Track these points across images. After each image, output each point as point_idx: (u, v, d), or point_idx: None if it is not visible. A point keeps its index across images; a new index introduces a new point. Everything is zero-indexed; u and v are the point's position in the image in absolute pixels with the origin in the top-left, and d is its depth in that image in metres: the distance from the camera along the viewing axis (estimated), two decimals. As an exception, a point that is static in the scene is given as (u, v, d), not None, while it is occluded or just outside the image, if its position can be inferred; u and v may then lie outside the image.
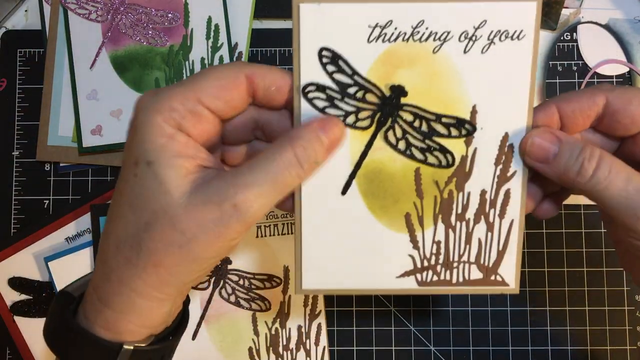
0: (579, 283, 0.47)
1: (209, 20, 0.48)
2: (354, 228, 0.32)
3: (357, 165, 0.31)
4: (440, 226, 0.32)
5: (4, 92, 0.49)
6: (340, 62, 0.30)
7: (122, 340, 0.28)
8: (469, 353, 0.47)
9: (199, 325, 0.46)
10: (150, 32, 0.48)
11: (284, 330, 0.46)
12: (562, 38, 0.49)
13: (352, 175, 0.31)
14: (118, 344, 0.28)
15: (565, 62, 0.49)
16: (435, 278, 0.33)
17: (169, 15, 0.48)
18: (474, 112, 0.31)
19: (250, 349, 0.46)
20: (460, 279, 0.33)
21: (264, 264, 0.47)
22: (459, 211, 0.32)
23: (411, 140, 0.31)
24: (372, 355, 0.47)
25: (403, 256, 0.33)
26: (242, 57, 0.49)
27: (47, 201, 0.49)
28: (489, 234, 0.32)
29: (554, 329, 0.47)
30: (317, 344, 0.47)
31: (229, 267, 0.46)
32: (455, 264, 0.33)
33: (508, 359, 0.47)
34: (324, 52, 0.30)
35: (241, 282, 0.46)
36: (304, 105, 0.30)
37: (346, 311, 0.47)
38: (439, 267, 0.33)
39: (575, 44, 0.49)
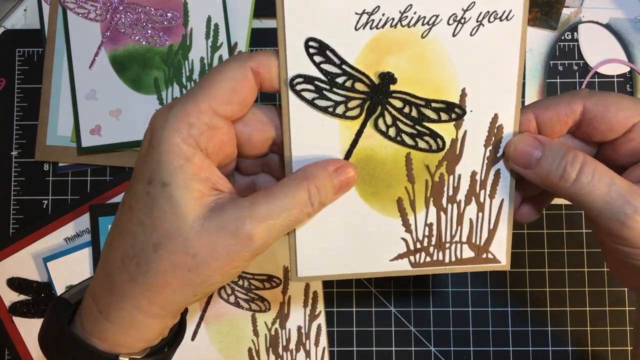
0: (580, 283, 0.47)
1: (209, 19, 0.48)
2: (346, 214, 0.32)
3: (348, 154, 0.31)
4: (432, 209, 0.33)
5: (3, 91, 0.49)
6: (328, 52, 0.29)
7: (118, 352, 0.28)
8: (469, 353, 0.47)
9: (198, 325, 0.46)
10: (149, 31, 0.48)
11: (283, 330, 0.46)
12: (562, 37, 0.49)
13: None
14: (114, 355, 0.28)
15: (566, 62, 0.49)
16: (428, 259, 0.33)
17: (169, 14, 0.48)
18: (463, 95, 0.31)
19: (249, 350, 0.46)
20: (453, 259, 0.33)
21: (263, 264, 0.46)
22: (450, 193, 0.32)
23: (401, 126, 0.31)
24: (372, 356, 0.47)
25: (396, 240, 0.33)
26: (242, 57, 0.48)
27: (46, 201, 0.49)
28: (480, 214, 0.33)
29: (555, 329, 0.47)
30: (317, 344, 0.46)
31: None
32: (447, 245, 0.33)
33: (508, 357, 0.47)
34: (311, 43, 0.29)
35: (241, 282, 0.46)
36: (292, 98, 0.30)
37: (346, 311, 0.47)
38: (431, 249, 0.33)
39: (576, 43, 0.49)
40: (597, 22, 0.49)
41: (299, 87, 0.30)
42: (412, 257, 0.33)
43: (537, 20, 0.48)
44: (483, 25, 0.30)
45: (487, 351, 0.47)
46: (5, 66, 0.49)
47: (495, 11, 0.30)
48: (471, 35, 0.30)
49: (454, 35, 0.30)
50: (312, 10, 0.29)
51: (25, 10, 0.50)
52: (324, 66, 0.30)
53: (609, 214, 0.29)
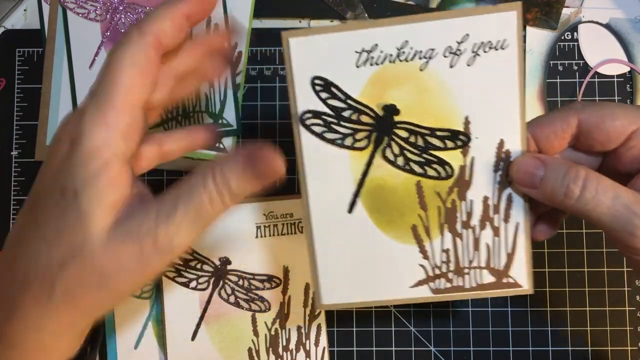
0: (580, 283, 0.47)
1: (209, 19, 0.48)
2: (364, 243, 0.33)
3: (360, 184, 0.32)
4: (447, 235, 0.33)
5: (3, 91, 0.49)
6: (333, 89, 0.31)
7: None
8: (469, 353, 0.47)
9: (198, 325, 0.46)
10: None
11: (283, 330, 0.46)
12: (562, 38, 0.49)
13: (356, 194, 0.33)
14: None
15: (566, 62, 0.49)
16: (448, 285, 0.34)
17: (169, 14, 0.48)
18: (467, 122, 0.32)
19: (249, 350, 0.46)
20: (474, 284, 0.34)
21: (263, 264, 0.46)
22: (464, 219, 0.33)
23: (409, 155, 0.32)
24: (372, 356, 0.47)
25: (414, 266, 0.33)
26: (242, 57, 0.48)
27: (46, 201, 0.49)
28: (496, 238, 0.33)
29: (555, 329, 0.47)
30: (317, 344, 0.46)
31: (229, 267, 0.46)
32: (466, 270, 0.33)
33: (508, 358, 0.47)
34: (317, 81, 0.31)
35: (241, 282, 0.46)
36: (303, 132, 0.32)
37: (346, 311, 0.47)
38: (450, 274, 0.33)
39: (576, 43, 0.49)
40: (597, 22, 0.49)
41: (308, 122, 0.32)
42: (432, 284, 0.34)
43: (537, 20, 0.48)
44: (479, 55, 0.31)
45: (487, 351, 0.47)
46: (5, 66, 0.49)
47: (489, 41, 0.31)
48: (468, 65, 0.31)
49: (451, 67, 0.31)
50: (316, 51, 0.31)
51: (25, 10, 0.50)
52: (330, 101, 0.31)
53: (617, 227, 0.29)
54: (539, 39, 0.49)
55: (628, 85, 0.48)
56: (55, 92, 0.48)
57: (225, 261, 0.46)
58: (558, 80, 0.48)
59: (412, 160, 0.32)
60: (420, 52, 0.31)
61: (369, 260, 0.33)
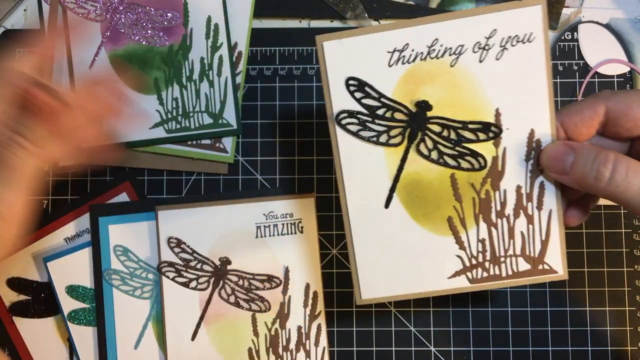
0: (580, 283, 0.47)
1: (209, 19, 0.48)
2: (401, 237, 0.34)
3: (396, 179, 0.33)
4: (483, 225, 0.34)
5: (3, 91, 0.49)
6: (367, 88, 0.32)
7: None
8: (469, 353, 0.47)
9: (198, 325, 0.46)
10: (149, 31, 0.48)
11: (283, 330, 0.46)
12: (562, 37, 0.49)
13: (392, 189, 0.34)
14: None
15: (566, 62, 0.49)
16: (485, 274, 0.34)
17: (169, 14, 0.48)
18: (498, 114, 0.32)
19: (249, 350, 0.46)
20: (510, 272, 0.34)
21: (263, 264, 0.46)
22: (498, 208, 0.34)
23: (442, 149, 0.33)
24: (372, 356, 0.47)
25: (451, 257, 0.34)
26: (242, 57, 0.48)
27: (45, 201, 0.49)
28: (530, 226, 0.34)
29: (555, 329, 0.47)
30: (317, 344, 0.46)
31: (229, 267, 0.46)
32: (502, 259, 0.34)
33: (508, 358, 0.47)
34: (351, 82, 0.32)
35: (241, 282, 0.46)
36: (339, 131, 0.33)
37: (346, 311, 0.47)
38: (487, 264, 0.34)
39: (576, 43, 0.49)
40: (597, 22, 0.49)
41: (344, 122, 0.33)
42: (469, 274, 0.34)
43: (537, 20, 0.48)
44: (507, 49, 0.32)
45: (487, 351, 0.47)
46: (5, 66, 0.49)
47: (516, 35, 0.32)
48: (497, 59, 0.32)
49: (480, 62, 0.32)
50: (349, 52, 0.32)
51: (25, 10, 0.50)
52: (365, 101, 0.33)
53: None
54: (539, 39, 0.49)
55: (628, 85, 0.48)
56: (55, 92, 0.48)
57: (226, 261, 0.46)
58: (558, 80, 0.48)
59: (445, 154, 0.33)
60: (450, 48, 0.32)
61: (406, 253, 0.34)
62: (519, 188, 0.33)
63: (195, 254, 0.46)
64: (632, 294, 0.47)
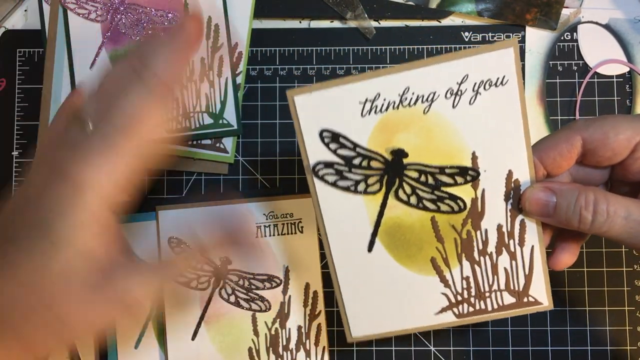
0: (579, 283, 0.47)
1: (209, 20, 0.48)
2: (386, 278, 0.34)
3: (377, 225, 0.34)
4: (466, 263, 0.34)
5: (4, 92, 0.49)
6: (341, 139, 0.32)
7: None
8: (469, 353, 0.47)
9: (198, 325, 0.46)
10: (150, 32, 0.48)
11: (283, 330, 0.46)
12: (562, 38, 0.49)
13: (374, 234, 0.34)
14: None
15: (566, 62, 0.49)
16: (471, 309, 0.35)
17: (169, 15, 0.48)
18: (474, 158, 0.33)
19: (250, 349, 0.46)
20: (495, 306, 0.35)
21: (264, 264, 0.47)
22: (481, 247, 0.34)
23: (421, 194, 0.33)
24: (372, 355, 0.47)
25: (437, 295, 0.35)
26: (242, 57, 0.49)
27: (46, 201, 0.49)
28: (513, 262, 0.34)
29: (554, 329, 0.47)
30: (317, 344, 0.46)
31: (229, 267, 0.46)
32: (487, 294, 0.35)
33: (508, 358, 0.47)
34: (325, 134, 0.32)
35: (241, 282, 0.46)
36: (317, 182, 0.33)
37: (346, 311, 0.47)
38: (472, 299, 0.35)
39: (575, 43, 0.49)
40: (596, 23, 0.49)
41: (321, 173, 0.33)
42: (455, 309, 0.35)
43: (536, 20, 0.48)
44: (480, 93, 0.32)
45: (487, 351, 0.47)
46: (6, 67, 0.50)
47: (489, 79, 0.31)
48: (470, 104, 0.32)
49: (454, 107, 0.32)
50: (320, 105, 0.32)
51: (25, 10, 0.50)
52: (340, 151, 0.33)
53: (634, 241, 0.29)
54: (539, 39, 0.49)
55: (627, 86, 0.48)
56: (56, 93, 0.49)
57: (226, 261, 0.46)
58: (558, 80, 0.48)
59: (424, 198, 0.33)
60: (422, 96, 0.32)
61: (392, 293, 0.34)
62: (500, 227, 0.34)
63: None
64: (631, 293, 0.47)
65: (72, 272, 0.24)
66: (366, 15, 0.49)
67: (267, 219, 0.47)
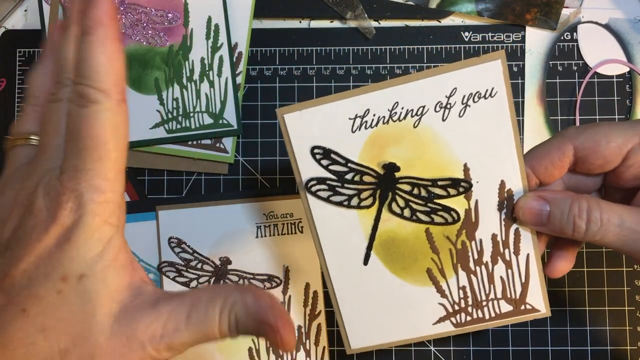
0: (579, 283, 0.47)
1: (209, 20, 0.48)
2: (383, 291, 0.34)
3: (371, 238, 0.34)
4: (462, 273, 0.34)
5: (3, 91, 0.49)
6: (333, 155, 0.32)
7: None
8: (469, 353, 0.47)
9: (198, 325, 0.46)
10: (149, 32, 0.48)
11: (283, 330, 0.46)
12: (562, 38, 0.49)
13: (369, 248, 0.34)
14: None
15: (565, 62, 0.49)
16: (468, 318, 0.35)
17: (169, 15, 0.48)
18: (466, 169, 0.33)
19: (250, 349, 0.46)
20: (493, 314, 0.35)
21: (264, 264, 0.47)
22: (476, 257, 0.34)
23: (414, 206, 0.33)
24: (371, 355, 0.47)
25: (434, 305, 0.35)
26: (242, 57, 0.49)
27: (46, 201, 0.49)
28: (509, 270, 0.34)
29: (554, 329, 0.47)
30: (317, 344, 0.46)
31: (229, 267, 0.46)
32: (484, 303, 0.35)
33: (508, 358, 0.47)
34: (316, 150, 0.32)
35: (241, 282, 0.46)
36: (310, 198, 0.33)
37: (346, 311, 0.47)
38: (469, 308, 0.35)
39: (575, 43, 0.49)
40: (596, 23, 0.49)
41: (314, 189, 0.33)
42: (453, 319, 0.35)
43: (536, 20, 0.48)
44: (469, 105, 0.32)
45: (487, 351, 0.47)
46: (6, 66, 0.50)
47: (477, 91, 0.31)
48: (460, 116, 0.32)
49: (443, 120, 0.32)
50: (311, 122, 0.32)
51: (25, 10, 0.50)
52: (332, 167, 0.33)
53: (628, 249, 0.29)
54: (539, 39, 0.49)
55: (627, 86, 0.48)
56: (55, 93, 0.48)
57: (226, 261, 0.46)
58: (557, 80, 0.48)
59: (418, 211, 0.33)
60: (412, 110, 0.32)
61: (390, 305, 0.35)
62: (494, 236, 0.34)
63: (195, 254, 0.46)
64: (631, 293, 0.47)
65: (96, 306, 0.23)
66: (366, 15, 0.49)
67: (267, 219, 0.47)
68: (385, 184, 0.33)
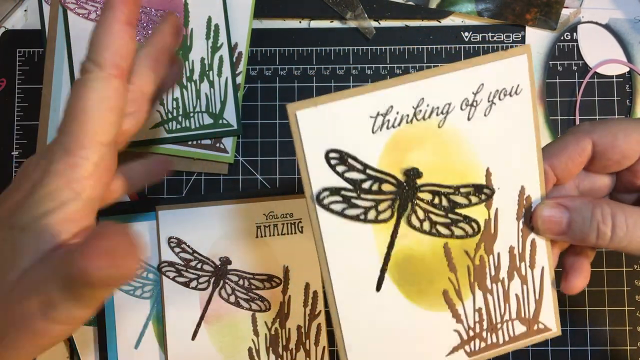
0: (579, 283, 0.47)
1: (209, 20, 0.48)
2: (395, 320, 0.31)
3: (387, 258, 0.30)
4: (478, 293, 0.32)
5: (4, 92, 0.49)
6: (350, 160, 0.29)
7: None
8: (469, 353, 0.47)
9: (198, 325, 0.46)
10: (150, 32, 0.48)
11: (283, 330, 0.46)
12: (562, 38, 0.49)
13: (384, 270, 0.30)
14: None
15: (565, 62, 0.49)
16: (483, 344, 0.32)
17: (169, 15, 0.48)
18: (488, 174, 0.31)
19: (250, 349, 0.46)
20: (507, 338, 0.33)
21: (263, 264, 0.47)
22: (493, 273, 0.32)
23: (434, 218, 0.31)
24: None
25: (449, 333, 0.32)
26: (242, 57, 0.49)
27: (46, 201, 0.49)
28: (524, 286, 0.32)
29: (554, 329, 0.47)
30: (316, 344, 0.46)
31: (229, 267, 0.46)
32: (499, 325, 0.32)
33: (508, 359, 0.47)
34: (331, 154, 0.28)
35: (241, 282, 0.46)
36: (321, 212, 0.29)
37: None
38: (484, 333, 0.32)
39: (575, 43, 0.49)
40: (596, 23, 0.49)
41: (326, 201, 0.29)
42: (467, 347, 0.32)
43: (536, 20, 0.48)
44: (495, 103, 0.30)
45: (487, 351, 0.47)
46: (6, 66, 0.50)
47: (504, 88, 0.30)
48: (485, 115, 0.30)
49: (469, 119, 0.30)
50: (327, 120, 0.28)
51: (25, 10, 0.50)
52: (348, 174, 0.29)
53: None
54: (539, 39, 0.49)
55: (627, 86, 0.48)
56: (55, 93, 0.49)
57: (226, 261, 0.46)
58: (557, 80, 0.48)
59: (438, 223, 0.31)
60: (437, 108, 0.29)
61: (401, 336, 0.31)
62: (511, 249, 0.32)
63: (195, 254, 0.46)
64: (631, 293, 0.47)
65: (21, 258, 0.24)
66: (366, 15, 0.49)
67: (267, 219, 0.47)
68: (404, 193, 0.30)
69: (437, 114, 0.29)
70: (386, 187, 0.30)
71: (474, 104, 0.30)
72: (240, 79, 0.48)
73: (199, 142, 0.48)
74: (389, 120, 0.29)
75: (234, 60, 0.48)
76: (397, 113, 0.29)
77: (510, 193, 0.31)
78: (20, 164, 0.49)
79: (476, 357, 0.32)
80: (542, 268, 0.32)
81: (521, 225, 0.32)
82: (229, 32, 0.48)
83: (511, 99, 0.30)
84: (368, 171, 0.29)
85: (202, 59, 0.48)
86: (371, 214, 0.30)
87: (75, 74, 0.48)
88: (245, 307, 0.46)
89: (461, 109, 0.30)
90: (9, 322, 0.22)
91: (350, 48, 0.49)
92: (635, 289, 0.47)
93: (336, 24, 0.49)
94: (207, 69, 0.48)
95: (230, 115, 0.48)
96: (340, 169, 0.29)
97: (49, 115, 0.48)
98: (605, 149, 0.30)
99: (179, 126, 0.48)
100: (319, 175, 0.28)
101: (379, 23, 0.49)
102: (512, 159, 0.31)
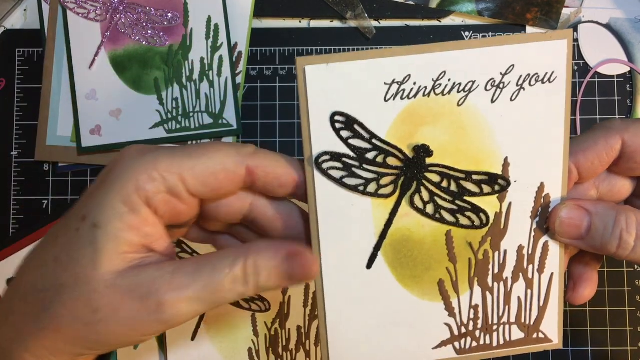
0: (580, 283, 0.47)
1: (209, 19, 0.48)
2: (384, 302, 0.29)
3: (382, 236, 0.29)
4: (477, 289, 0.30)
5: (3, 91, 0.49)
6: (356, 126, 0.27)
7: None
8: (469, 353, 0.47)
9: (198, 325, 0.46)
10: (149, 31, 0.48)
11: (283, 330, 0.46)
12: (562, 38, 0.49)
13: (377, 247, 0.29)
14: None
15: (566, 62, 0.49)
16: (474, 344, 0.31)
17: (169, 14, 0.48)
18: (506, 165, 0.28)
19: (249, 350, 0.46)
20: (501, 342, 0.31)
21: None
22: (496, 271, 0.30)
23: (440, 202, 0.29)
24: (372, 356, 0.47)
25: (439, 325, 0.30)
26: (242, 57, 0.48)
27: (46, 201, 0.49)
28: (529, 291, 0.30)
29: (555, 329, 0.47)
30: (317, 344, 0.46)
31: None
32: (495, 327, 0.31)
33: (508, 359, 0.47)
34: (337, 117, 0.27)
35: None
36: (318, 177, 0.27)
37: (346, 311, 0.47)
38: (477, 332, 0.31)
39: (576, 43, 0.49)
40: (597, 22, 0.49)
41: (325, 166, 0.27)
42: (456, 343, 0.30)
43: (537, 20, 0.48)
44: (524, 89, 0.27)
45: (487, 351, 0.47)
46: (5, 66, 0.49)
47: (536, 73, 0.27)
48: (511, 100, 0.28)
49: (492, 102, 0.27)
50: (337, 81, 0.26)
51: (25, 10, 0.50)
52: (352, 141, 0.27)
53: None
54: (539, 39, 0.49)
55: (628, 85, 0.48)
56: (55, 93, 0.48)
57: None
58: (558, 80, 0.48)
59: (443, 208, 0.29)
60: (459, 84, 0.27)
61: (388, 321, 0.30)
62: (520, 248, 0.29)
63: (195, 254, 0.46)
64: (631, 293, 0.47)
65: (101, 257, 0.24)
66: (366, 15, 0.49)
67: (267, 219, 0.46)
68: (412, 171, 0.28)
69: (458, 91, 0.27)
70: (392, 161, 0.28)
71: (501, 85, 0.27)
72: (240, 79, 0.48)
73: (199, 142, 0.48)
74: (404, 90, 0.27)
75: (234, 60, 0.48)
76: (415, 83, 0.27)
77: (527, 188, 0.29)
78: (20, 164, 0.49)
79: (465, 356, 0.31)
80: (552, 274, 0.30)
81: (535, 225, 0.29)
82: (228, 31, 0.48)
83: (543, 87, 0.27)
84: (374, 141, 0.27)
85: (202, 59, 0.48)
86: (371, 187, 0.28)
87: (74, 73, 0.48)
88: (245, 307, 0.46)
89: (486, 89, 0.27)
90: (113, 314, 0.24)
91: (350, 48, 0.49)
92: (636, 289, 0.47)
93: (336, 23, 0.49)
94: (207, 68, 0.48)
95: (230, 115, 0.48)
96: (344, 134, 0.27)
97: (49, 115, 0.48)
98: (636, 151, 0.28)
99: (178, 126, 0.47)
100: (321, 138, 0.27)
101: (379, 23, 0.49)
102: (535, 151, 0.28)
